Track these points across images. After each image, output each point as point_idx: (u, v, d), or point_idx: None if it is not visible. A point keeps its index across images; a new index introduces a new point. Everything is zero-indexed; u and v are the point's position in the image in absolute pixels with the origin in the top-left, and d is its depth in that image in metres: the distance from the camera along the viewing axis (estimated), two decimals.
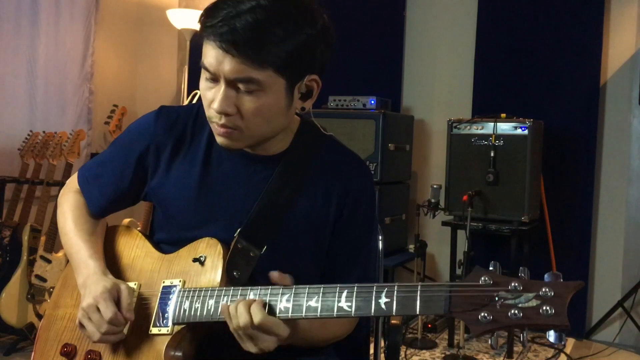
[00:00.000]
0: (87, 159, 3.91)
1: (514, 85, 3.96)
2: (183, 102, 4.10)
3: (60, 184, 3.18)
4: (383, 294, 1.06)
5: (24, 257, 3.11)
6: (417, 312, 1.04)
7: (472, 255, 3.23)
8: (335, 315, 1.09)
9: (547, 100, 3.85)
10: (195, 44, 1.19)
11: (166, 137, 1.33)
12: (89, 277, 1.27)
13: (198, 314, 1.19)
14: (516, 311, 0.96)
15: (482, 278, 1.00)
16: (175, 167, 1.33)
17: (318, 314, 1.10)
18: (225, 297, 1.17)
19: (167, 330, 1.22)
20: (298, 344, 1.23)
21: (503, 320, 0.96)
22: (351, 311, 1.08)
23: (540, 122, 3.66)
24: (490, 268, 1.02)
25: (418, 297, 1.03)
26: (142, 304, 1.27)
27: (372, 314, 1.07)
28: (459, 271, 3.47)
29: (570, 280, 0.97)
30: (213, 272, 1.24)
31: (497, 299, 0.98)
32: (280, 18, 1.13)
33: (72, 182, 1.46)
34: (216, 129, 1.21)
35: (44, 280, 3.13)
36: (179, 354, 1.22)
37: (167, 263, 1.31)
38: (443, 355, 3.39)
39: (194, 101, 3.26)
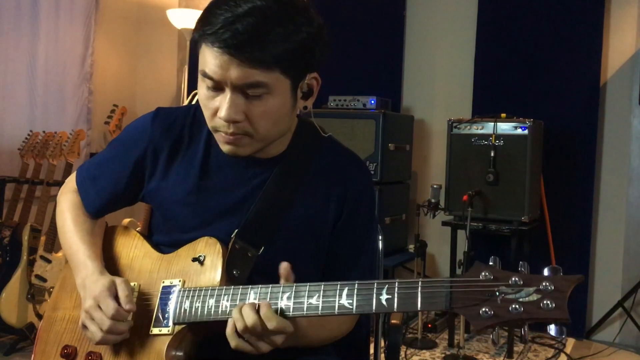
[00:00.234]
0: (87, 158, 3.90)
1: (514, 85, 3.96)
2: (183, 102, 4.09)
3: (60, 184, 3.13)
4: (384, 291, 1.05)
5: (24, 257, 3.11)
6: (419, 308, 1.03)
7: (472, 255, 3.22)
8: (336, 313, 1.09)
9: (547, 100, 3.85)
10: (196, 44, 1.17)
11: (163, 140, 1.32)
12: (87, 278, 1.27)
13: (199, 313, 1.18)
14: (517, 306, 0.96)
15: (483, 273, 1.00)
16: (173, 170, 1.32)
17: (319, 312, 1.09)
18: (226, 296, 1.16)
19: (168, 331, 1.21)
20: (295, 344, 1.22)
21: (504, 315, 0.96)
22: (352, 308, 1.07)
23: (540, 122, 3.66)
24: (490, 263, 1.02)
25: (419, 293, 1.03)
26: (142, 304, 1.26)
27: (374, 311, 1.06)
28: (459, 271, 3.47)
29: None
30: (213, 272, 1.23)
31: (497, 293, 0.98)
32: (279, 18, 1.13)
33: (71, 182, 1.45)
34: (223, 137, 1.19)
35: (44, 280, 3.13)
36: (180, 354, 1.22)
37: (166, 263, 1.30)
38: (443, 355, 3.39)
39: (194, 101, 3.26)
